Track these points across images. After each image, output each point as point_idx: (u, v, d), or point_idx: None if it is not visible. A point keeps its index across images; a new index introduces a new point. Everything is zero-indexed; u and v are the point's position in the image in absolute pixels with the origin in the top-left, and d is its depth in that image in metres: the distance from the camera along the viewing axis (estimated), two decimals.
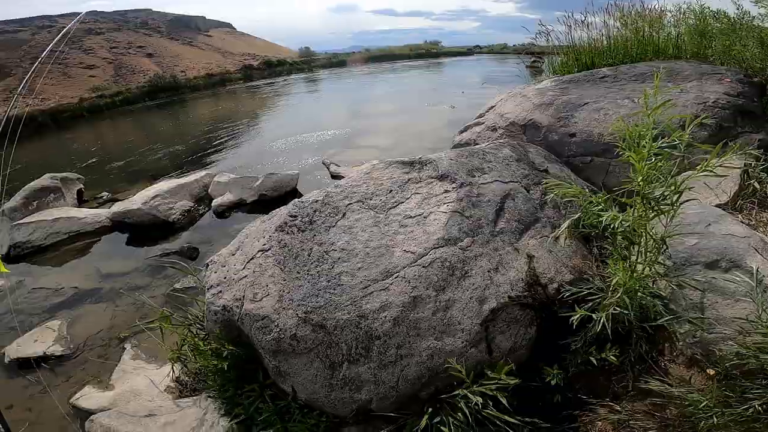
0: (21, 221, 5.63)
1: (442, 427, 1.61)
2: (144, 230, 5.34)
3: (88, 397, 2.75)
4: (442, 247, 1.79)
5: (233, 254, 2.10)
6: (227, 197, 5.59)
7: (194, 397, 2.28)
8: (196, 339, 2.34)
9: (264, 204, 5.47)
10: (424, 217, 1.93)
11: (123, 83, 27.23)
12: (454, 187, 2.09)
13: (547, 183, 2.06)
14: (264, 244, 1.97)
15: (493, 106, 4.21)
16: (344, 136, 8.63)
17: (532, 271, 1.81)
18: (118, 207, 5.60)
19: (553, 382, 1.65)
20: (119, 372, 3.00)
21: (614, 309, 1.52)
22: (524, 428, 1.57)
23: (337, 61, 32.30)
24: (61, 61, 27.54)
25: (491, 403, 1.57)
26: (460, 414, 1.60)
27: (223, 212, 5.51)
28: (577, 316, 1.56)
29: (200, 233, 5.16)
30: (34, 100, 23.94)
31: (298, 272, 1.84)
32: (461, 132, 4.48)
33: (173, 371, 2.73)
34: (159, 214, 5.34)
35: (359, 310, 1.69)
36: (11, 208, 5.90)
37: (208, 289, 2.04)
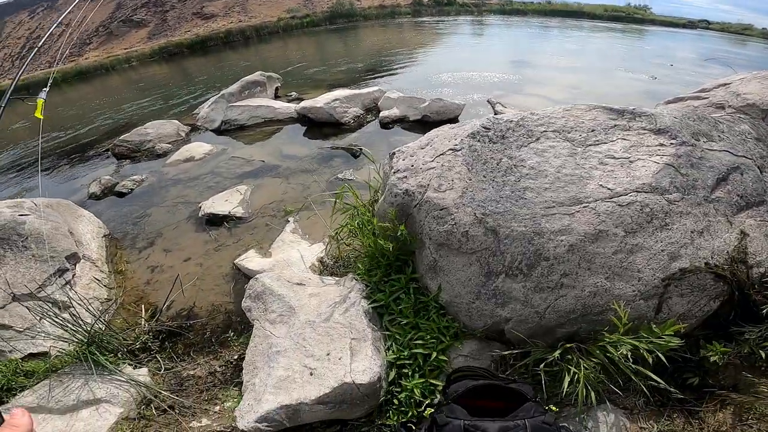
0: (234, 104, 7.00)
1: (568, 365, 1.64)
2: (320, 126, 6.23)
3: (251, 259, 3.25)
4: (647, 192, 1.69)
5: (422, 148, 2.32)
6: (394, 111, 6.02)
7: (336, 278, 2.54)
8: (364, 218, 2.67)
9: (424, 124, 5.78)
10: (630, 162, 1.82)
11: (311, 7, 29.73)
12: (673, 144, 1.89)
13: None
14: (455, 145, 2.13)
15: (727, 84, 3.52)
16: (512, 81, 8.20)
17: (743, 247, 1.61)
18: (305, 103, 6.53)
19: (713, 359, 1.53)
20: (279, 242, 3.51)
21: None
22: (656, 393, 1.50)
23: (511, 9, 29.54)
24: None
25: (631, 360, 1.52)
26: (594, 359, 1.59)
27: (387, 124, 6.01)
28: None
29: (364, 137, 5.75)
30: (245, 17, 28.04)
31: (484, 176, 1.96)
32: (668, 103, 3.87)
33: (329, 248, 3.10)
34: (335, 114, 6.08)
35: (537, 227, 1.76)
36: (229, 92, 7.37)
37: (393, 173, 2.32)
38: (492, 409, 1.06)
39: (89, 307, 2.42)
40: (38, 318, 2.48)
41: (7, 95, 2.40)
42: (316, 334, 2.02)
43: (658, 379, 1.52)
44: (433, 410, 1.32)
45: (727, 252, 1.60)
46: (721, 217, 1.70)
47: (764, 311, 1.43)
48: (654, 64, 10.20)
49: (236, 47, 20.32)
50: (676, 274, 1.58)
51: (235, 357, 2.43)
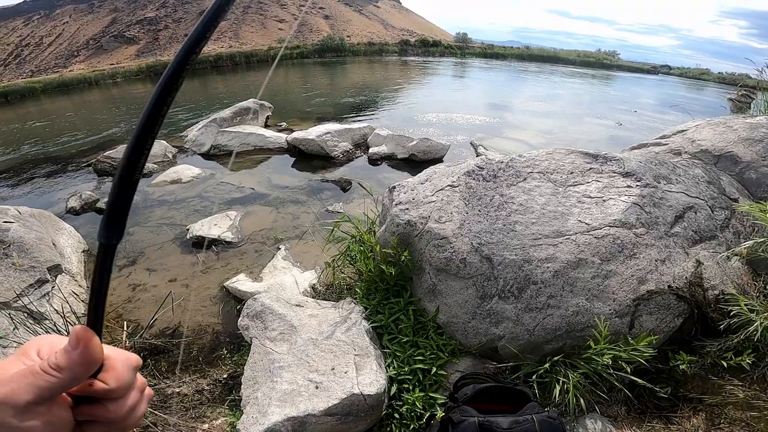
0: (225, 129, 7.17)
1: (557, 376, 1.86)
2: (310, 158, 6.41)
3: (242, 282, 3.27)
4: (617, 227, 1.99)
5: (422, 183, 2.58)
6: (382, 149, 6.33)
7: (332, 302, 2.62)
8: (362, 247, 2.87)
9: (411, 163, 6.06)
10: (603, 201, 2.13)
11: (302, 39, 30.98)
12: (638, 185, 2.22)
13: (738, 205, 2.06)
14: (453, 181, 2.40)
15: (684, 131, 3.98)
16: (493, 124, 8.76)
17: (699, 273, 1.90)
18: (296, 134, 6.75)
19: (682, 367, 1.77)
20: (270, 267, 3.55)
21: None
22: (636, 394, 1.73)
23: (491, 53, 31.56)
24: (262, 12, 32.46)
25: (612, 369, 1.75)
26: (580, 370, 1.82)
27: (375, 160, 6.28)
28: (730, 321, 1.64)
29: (353, 172, 5.97)
30: (236, 43, 28.86)
31: (479, 211, 2.22)
32: (633, 149, 4.32)
33: (322, 275, 3.18)
34: (326, 147, 6.32)
35: (526, 255, 2.01)
36: (222, 117, 7.53)
37: (395, 205, 2.56)
38: (499, 410, 1.25)
39: (67, 320, 2.39)
40: (12, 327, 2.41)
41: None
42: (319, 350, 2.10)
43: (640, 380, 1.74)
44: (443, 414, 1.48)
45: (686, 277, 1.89)
46: (679, 248, 2.00)
47: (721, 327, 1.70)
48: (620, 110, 11.14)
49: (224, 72, 20.61)
50: (644, 295, 1.85)
51: (225, 376, 2.42)
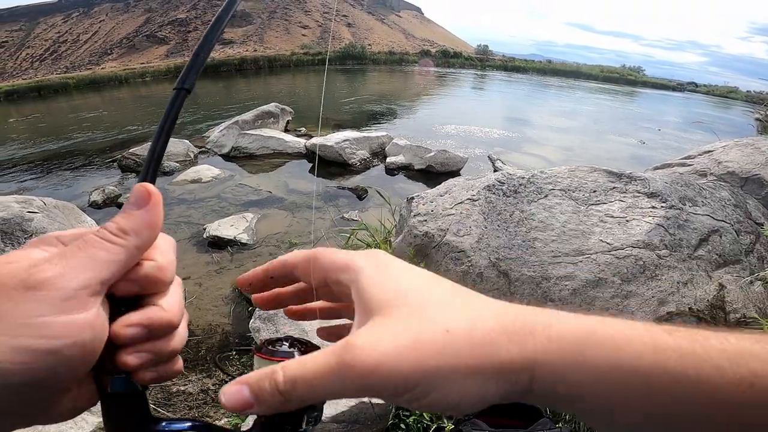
0: (246, 131, 7.33)
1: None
2: (327, 164, 6.49)
3: None
4: (640, 248, 1.96)
5: (441, 195, 2.59)
6: (400, 158, 6.36)
7: None
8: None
9: (428, 174, 6.08)
10: (627, 221, 2.10)
11: (324, 45, 31.55)
12: (663, 207, 2.19)
13: (764, 230, 2.02)
14: (473, 195, 2.40)
15: (710, 151, 3.90)
16: (512, 139, 8.73)
17: (721, 297, 1.86)
18: (315, 140, 6.87)
19: None
20: None
21: None
22: None
23: (512, 66, 31.53)
24: (287, 18, 33.26)
25: None
26: None
27: (392, 170, 6.32)
28: None
29: (369, 181, 6.02)
30: (260, 47, 29.61)
31: (498, 226, 2.22)
32: (656, 169, 4.25)
33: None
34: (344, 155, 6.40)
35: (544, 272, 2.00)
36: (243, 120, 7.71)
37: (413, 216, 2.58)
38: (511, 424, 1.23)
39: None
40: None
41: None
42: None
43: None
44: (452, 427, 1.47)
45: (708, 300, 1.85)
46: (702, 272, 1.96)
47: None
48: (643, 128, 10.98)
49: (247, 75, 21.10)
50: (664, 316, 1.81)
51: (230, 377, 2.40)
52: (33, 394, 0.24)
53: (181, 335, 0.30)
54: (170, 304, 0.28)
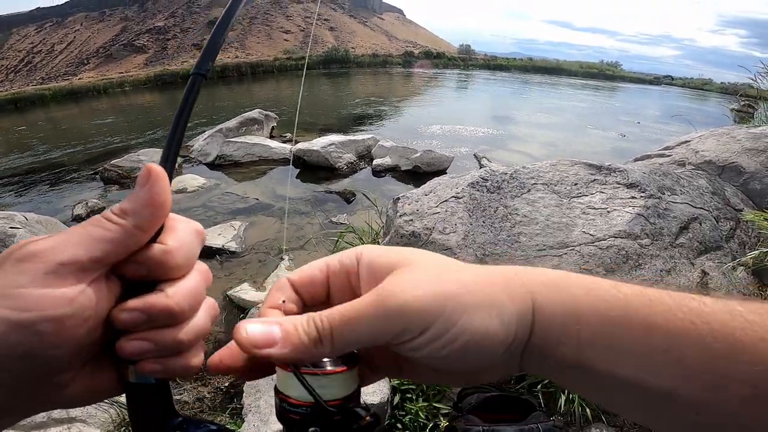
0: (231, 139, 7.25)
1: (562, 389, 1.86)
2: (314, 169, 6.45)
3: (245, 292, 3.25)
4: (622, 238, 1.99)
5: (426, 194, 2.60)
6: (386, 160, 6.36)
7: None
8: None
9: (415, 175, 6.08)
10: (608, 212, 2.14)
11: (306, 50, 31.44)
12: (642, 196, 2.23)
13: (743, 214, 2.07)
14: (457, 193, 2.42)
15: (687, 141, 4.00)
16: (496, 136, 8.81)
17: (705, 282, 1.90)
18: (301, 145, 6.80)
19: None
20: (274, 277, 3.54)
21: None
22: None
23: (495, 64, 31.89)
24: (268, 23, 33.09)
25: None
26: None
27: (379, 172, 6.31)
28: None
29: (357, 184, 5.98)
30: (242, 53, 29.38)
31: (483, 222, 2.24)
32: (636, 160, 4.34)
33: None
34: (330, 159, 6.37)
35: (530, 266, 2.01)
36: (227, 127, 7.62)
37: (400, 216, 2.58)
38: (505, 419, 1.24)
39: None
40: None
41: None
42: None
43: None
44: (447, 423, 1.48)
45: (691, 287, 1.88)
46: (684, 259, 2.00)
47: None
48: (623, 121, 11.20)
49: (230, 82, 20.88)
50: None
51: (226, 384, 2.41)
52: (19, 368, 0.23)
53: (192, 328, 0.28)
54: (176, 292, 0.27)
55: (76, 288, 0.24)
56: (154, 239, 0.27)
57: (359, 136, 7.20)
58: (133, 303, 0.26)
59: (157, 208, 0.27)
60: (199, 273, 0.30)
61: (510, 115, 11.56)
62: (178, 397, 2.30)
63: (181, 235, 0.29)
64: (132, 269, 0.27)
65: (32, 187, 6.42)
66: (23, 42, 31.30)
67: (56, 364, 0.25)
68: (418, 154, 6.11)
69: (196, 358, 0.30)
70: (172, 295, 0.27)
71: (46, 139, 9.48)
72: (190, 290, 0.28)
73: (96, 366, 0.27)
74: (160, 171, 0.27)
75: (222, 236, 4.19)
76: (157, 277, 0.27)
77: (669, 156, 3.94)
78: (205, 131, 7.89)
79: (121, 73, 25.60)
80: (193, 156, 7.10)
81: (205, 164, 6.87)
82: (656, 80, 29.61)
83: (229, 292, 3.28)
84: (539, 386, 1.82)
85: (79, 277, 0.24)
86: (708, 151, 3.53)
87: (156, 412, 0.28)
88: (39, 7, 34.18)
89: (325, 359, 0.28)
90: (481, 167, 6.34)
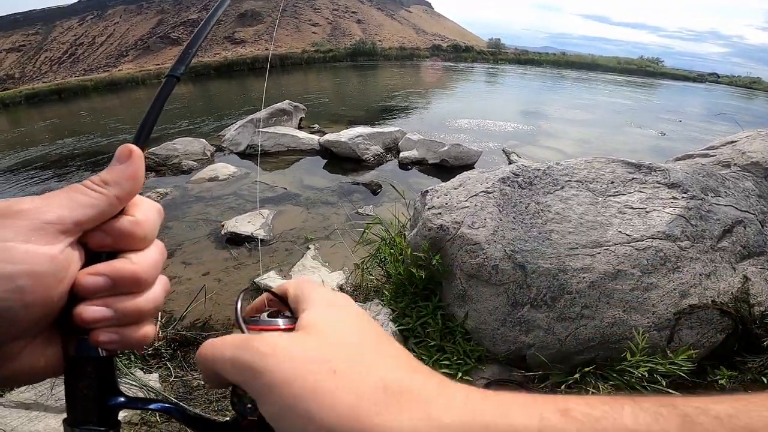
0: (261, 129, 7.38)
1: (587, 387, 1.82)
2: (341, 160, 6.52)
3: (272, 280, 3.33)
4: (661, 239, 1.92)
5: (455, 188, 2.59)
6: (413, 153, 6.34)
7: (359, 303, 2.57)
8: (393, 249, 2.91)
9: (442, 168, 6.05)
10: (647, 212, 2.06)
11: (334, 42, 31.56)
12: (684, 197, 2.14)
13: None
14: (488, 188, 2.39)
15: (733, 142, 3.78)
16: (527, 132, 8.60)
17: (745, 289, 1.82)
18: (329, 137, 6.88)
19: (721, 381, 1.71)
20: (299, 266, 3.63)
21: None
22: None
23: (526, 59, 30.97)
24: (297, 16, 33.36)
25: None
26: (611, 382, 1.78)
27: (406, 164, 6.30)
28: None
29: (383, 175, 6.02)
30: (271, 46, 29.78)
31: (514, 218, 2.21)
32: (677, 160, 4.15)
33: (350, 276, 3.25)
34: (357, 150, 6.41)
35: (561, 265, 1.98)
36: (258, 118, 7.76)
37: (428, 209, 2.57)
38: None
39: None
40: None
41: None
42: None
43: (676, 393, 1.68)
44: None
45: (731, 293, 1.81)
46: (726, 263, 1.92)
47: (765, 343, 1.62)
48: (663, 119, 10.68)
49: (260, 74, 21.24)
50: (686, 309, 1.78)
51: None
52: None
53: (151, 297, 0.29)
54: (141, 260, 0.28)
55: (56, 247, 0.25)
56: (121, 213, 0.29)
57: (386, 129, 7.20)
58: (100, 267, 0.27)
59: (136, 182, 0.29)
60: (158, 248, 0.31)
61: (542, 111, 11.25)
62: (202, 383, 2.31)
63: (146, 210, 0.30)
64: (97, 239, 0.28)
65: (74, 172, 6.78)
66: (66, 34, 32.82)
67: (16, 329, 0.25)
68: (445, 148, 6.06)
69: (152, 330, 0.30)
70: (138, 262, 0.28)
71: (86, 128, 9.96)
72: (153, 261, 0.30)
73: (45, 341, 0.27)
74: (139, 150, 0.30)
75: (251, 224, 4.31)
76: (121, 248, 0.28)
77: (713, 156, 3.75)
78: (236, 121, 8.08)
79: (158, 64, 26.51)
80: (224, 145, 7.29)
81: (236, 153, 7.05)
82: (700, 77, 28.01)
83: (256, 280, 3.37)
84: (563, 386, 1.80)
85: (59, 238, 0.25)
86: (755, 152, 3.34)
87: (96, 388, 0.27)
88: (80, 0, 35.67)
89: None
90: (510, 163, 6.22)
